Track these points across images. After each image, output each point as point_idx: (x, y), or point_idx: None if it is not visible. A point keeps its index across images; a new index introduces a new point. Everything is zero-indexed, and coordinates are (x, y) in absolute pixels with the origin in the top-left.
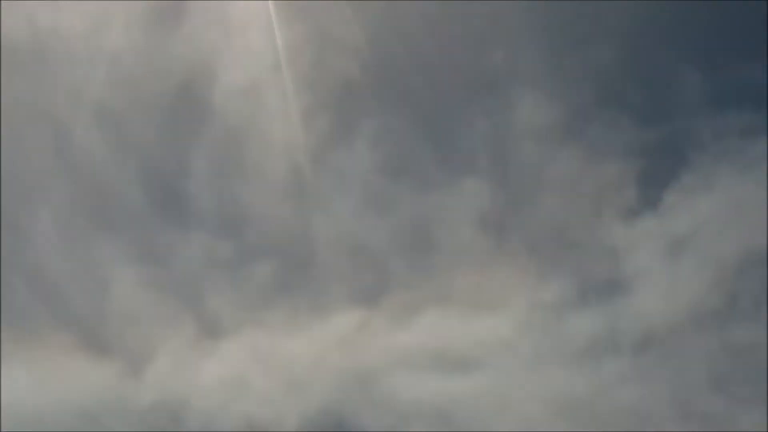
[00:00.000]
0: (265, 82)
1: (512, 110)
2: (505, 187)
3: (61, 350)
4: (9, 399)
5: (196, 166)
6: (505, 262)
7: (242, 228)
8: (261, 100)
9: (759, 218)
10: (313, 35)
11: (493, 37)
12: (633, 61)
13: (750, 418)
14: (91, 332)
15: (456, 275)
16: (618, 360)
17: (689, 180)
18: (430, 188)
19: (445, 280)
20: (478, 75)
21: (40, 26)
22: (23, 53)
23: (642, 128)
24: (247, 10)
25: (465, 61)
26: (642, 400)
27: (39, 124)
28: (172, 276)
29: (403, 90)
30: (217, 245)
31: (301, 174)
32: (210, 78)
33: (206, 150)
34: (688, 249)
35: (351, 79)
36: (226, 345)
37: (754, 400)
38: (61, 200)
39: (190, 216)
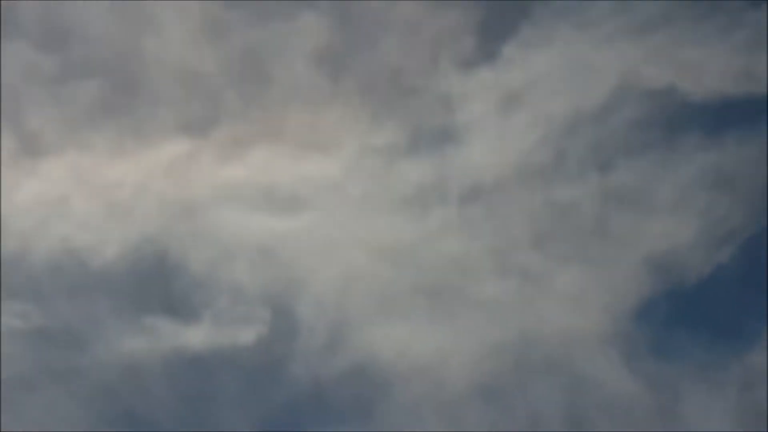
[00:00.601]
0: None
1: None
2: (344, 25)
3: None
4: None
5: None
6: (339, 102)
7: (68, 43)
8: None
9: (592, 79)
10: None
11: None
12: None
13: (564, 276)
14: None
15: (289, 112)
16: (444, 210)
17: (529, 34)
18: (268, 18)
19: (277, 115)
20: None
21: None
22: None
23: None
24: None
25: None
26: (465, 250)
27: None
28: None
29: None
30: (40, 59)
31: None
32: None
33: None
34: (521, 104)
35: None
36: (45, 165)
37: (569, 258)
38: None
39: (11, 26)
